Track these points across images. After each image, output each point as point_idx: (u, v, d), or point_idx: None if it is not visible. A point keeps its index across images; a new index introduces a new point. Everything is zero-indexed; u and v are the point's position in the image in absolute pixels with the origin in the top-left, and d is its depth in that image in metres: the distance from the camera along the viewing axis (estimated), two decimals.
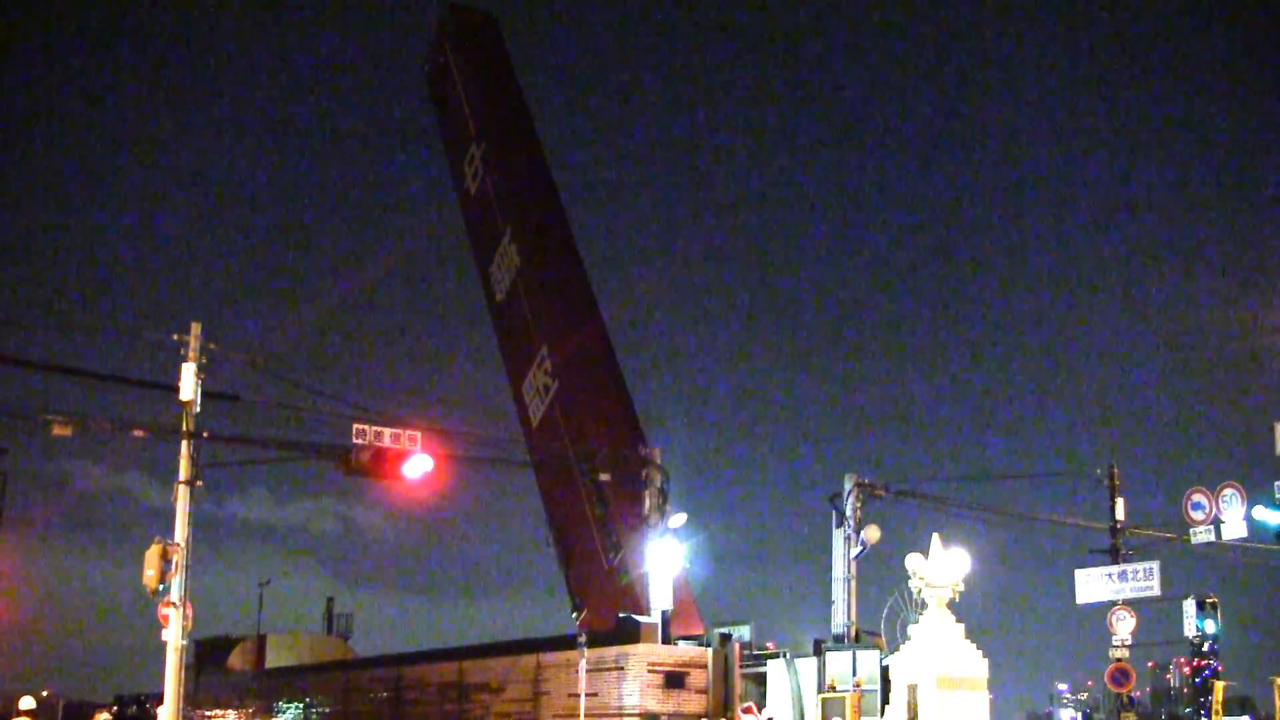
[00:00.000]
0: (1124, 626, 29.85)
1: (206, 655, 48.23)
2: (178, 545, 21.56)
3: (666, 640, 27.61)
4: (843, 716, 24.93)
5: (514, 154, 39.66)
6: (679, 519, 28.60)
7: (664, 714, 26.36)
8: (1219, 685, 30.42)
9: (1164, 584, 29.60)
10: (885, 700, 25.05)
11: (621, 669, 26.71)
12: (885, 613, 26.61)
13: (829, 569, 29.59)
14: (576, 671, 26.01)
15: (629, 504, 30.86)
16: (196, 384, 21.98)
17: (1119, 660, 30.12)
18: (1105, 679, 31.89)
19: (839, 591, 29.22)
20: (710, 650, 27.82)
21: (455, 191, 42.43)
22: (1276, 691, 27.52)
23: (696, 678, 27.19)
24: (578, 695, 26.03)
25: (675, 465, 29.73)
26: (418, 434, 22.97)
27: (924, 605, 24.98)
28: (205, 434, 22.16)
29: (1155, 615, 31.53)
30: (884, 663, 25.53)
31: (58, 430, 20.91)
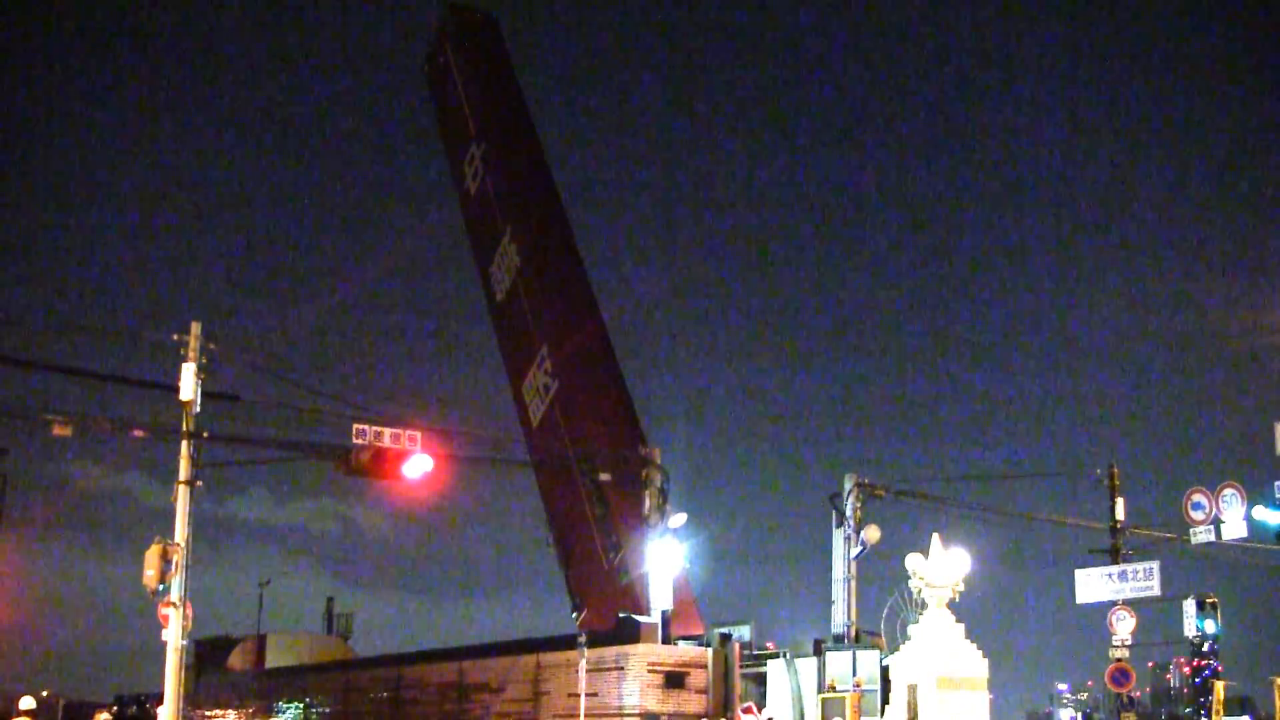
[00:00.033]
0: (1124, 626, 29.86)
1: (206, 655, 48.22)
2: (178, 545, 21.57)
3: (666, 640, 27.61)
4: (843, 716, 24.93)
5: (514, 154, 39.66)
6: (679, 519, 28.60)
7: (664, 714, 26.35)
8: (1219, 685, 30.41)
9: (1164, 584, 29.63)
10: (885, 700, 25.05)
11: (621, 669, 26.71)
12: (885, 613, 26.64)
13: (829, 569, 29.59)
14: (576, 671, 26.01)
15: (629, 504, 30.86)
16: (196, 384, 21.99)
17: (1119, 660, 30.12)
18: (1105, 679, 31.89)
19: (839, 591, 29.22)
20: (710, 650, 27.82)
21: (455, 191, 42.45)
22: (1277, 691, 27.53)
23: (696, 678, 27.18)
24: (578, 695, 26.03)
25: (675, 465, 29.76)
26: (418, 434, 22.99)
27: (924, 605, 24.98)
28: (205, 434, 22.17)
29: (1155, 615, 31.57)
30: (884, 663, 25.53)
31: (58, 430, 20.94)
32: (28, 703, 36.26)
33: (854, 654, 26.13)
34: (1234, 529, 28.52)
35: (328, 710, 39.69)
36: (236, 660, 49.14)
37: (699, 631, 30.12)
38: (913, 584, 25.08)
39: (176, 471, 22.05)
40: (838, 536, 29.47)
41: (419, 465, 22.94)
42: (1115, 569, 30.67)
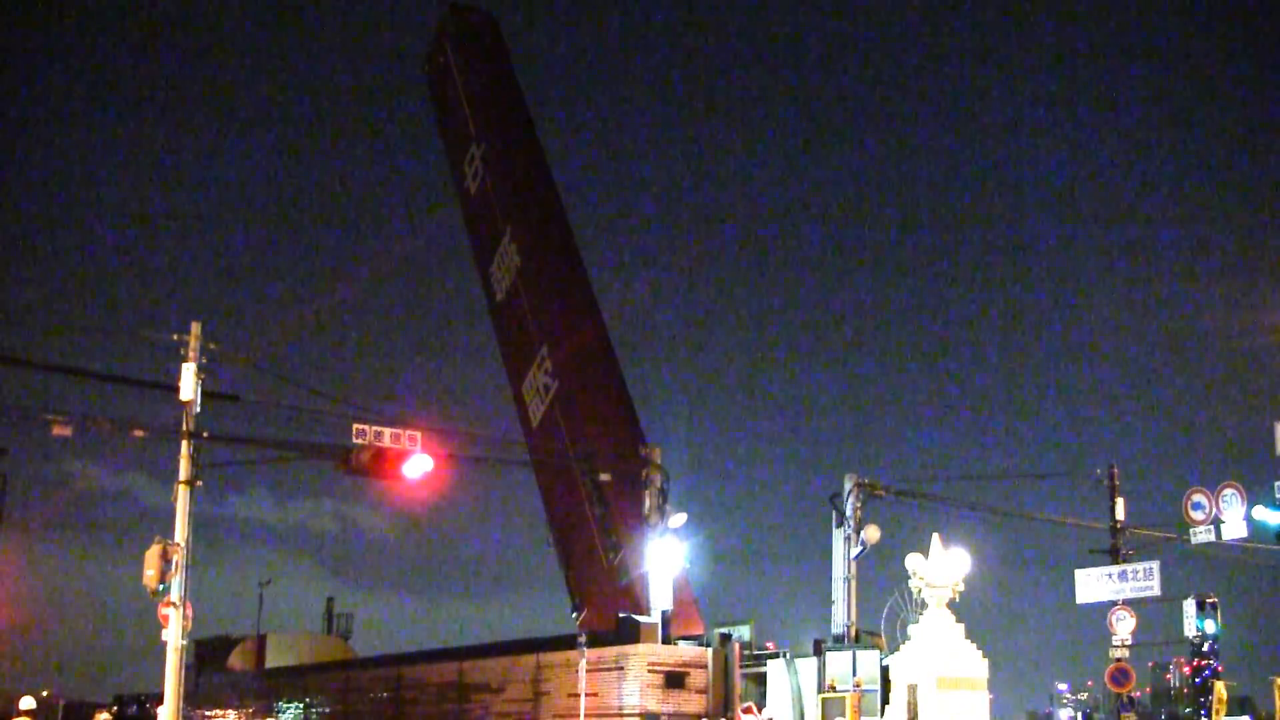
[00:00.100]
0: (1124, 626, 29.86)
1: (206, 655, 48.23)
2: (178, 545, 21.56)
3: (666, 640, 27.62)
4: (843, 716, 24.93)
5: (514, 154, 39.68)
6: (679, 519, 28.61)
7: (664, 714, 26.36)
8: (1220, 685, 30.39)
9: (1164, 584, 29.62)
10: (885, 700, 25.06)
11: (621, 669, 26.71)
12: (885, 613, 26.64)
13: (829, 569, 29.58)
14: (576, 671, 26.03)
15: (629, 504, 30.87)
16: (196, 384, 21.99)
17: (1119, 660, 30.12)
18: (1105, 679, 31.88)
19: (839, 591, 29.22)
20: (710, 650, 27.83)
21: (455, 191, 42.47)
22: (1277, 691, 27.53)
23: (696, 678, 27.19)
24: (578, 695, 26.04)
25: (675, 465, 29.78)
26: (418, 434, 23.00)
27: (924, 605, 24.99)
28: (205, 434, 22.17)
29: (1155, 615, 31.53)
30: (884, 663, 25.53)
31: (58, 430, 20.94)
32: (28, 703, 36.29)
33: (854, 654, 26.13)
34: (1234, 529, 28.52)
35: (328, 710, 39.70)
36: (236, 660, 49.15)
37: (699, 631, 30.13)
38: (913, 584, 25.08)
39: (176, 471, 22.04)
40: (838, 536, 29.47)
41: (419, 465, 22.94)
42: (1115, 569, 30.66)
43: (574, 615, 34.94)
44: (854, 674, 25.50)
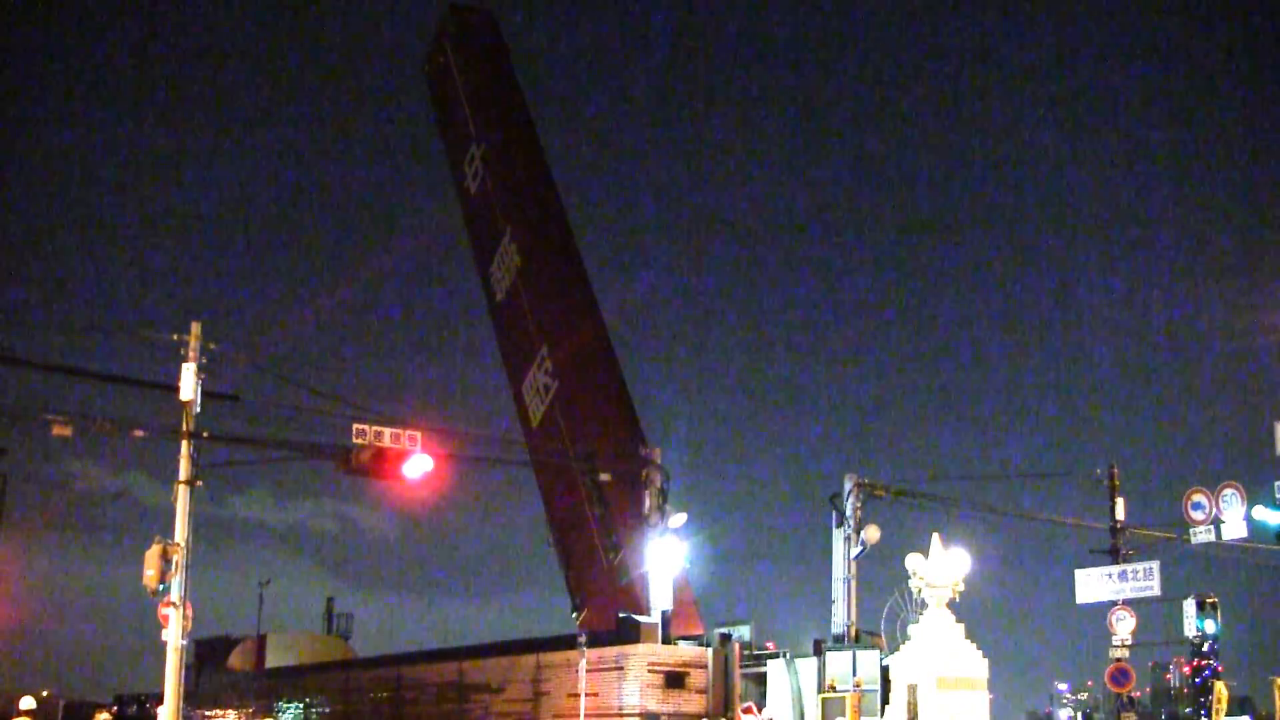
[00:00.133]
0: (1124, 626, 29.85)
1: (206, 655, 48.22)
2: (178, 545, 21.56)
3: (666, 640, 27.61)
4: (843, 716, 24.92)
5: (514, 154, 39.66)
6: (679, 519, 28.60)
7: (664, 714, 26.36)
8: (1220, 685, 30.39)
9: (1164, 584, 29.61)
10: (885, 700, 25.04)
11: (621, 669, 26.71)
12: (885, 613, 26.63)
13: (829, 569, 29.57)
14: (576, 671, 26.02)
15: (629, 504, 30.85)
16: (196, 384, 21.98)
17: (1119, 660, 30.12)
18: (1105, 679, 31.88)
19: (839, 591, 29.21)
20: (710, 650, 27.82)
21: (455, 191, 42.47)
22: (1277, 691, 27.53)
23: (696, 678, 27.18)
24: (578, 695, 26.03)
25: (675, 465, 29.75)
26: (418, 434, 23.00)
27: (924, 605, 24.97)
28: (205, 434, 22.16)
29: (1155, 615, 31.53)
30: (884, 663, 25.52)
31: (58, 430, 20.93)
32: (28, 703, 36.34)
33: (854, 654, 26.12)
34: (1234, 529, 28.51)
35: (328, 710, 39.70)
36: (236, 660, 49.14)
37: (699, 631, 30.12)
38: (913, 584, 25.06)
39: (176, 471, 22.03)
40: (838, 536, 29.46)
41: (419, 465, 22.94)
42: (1115, 569, 30.66)
43: (574, 615, 34.93)
44: (854, 674, 25.49)
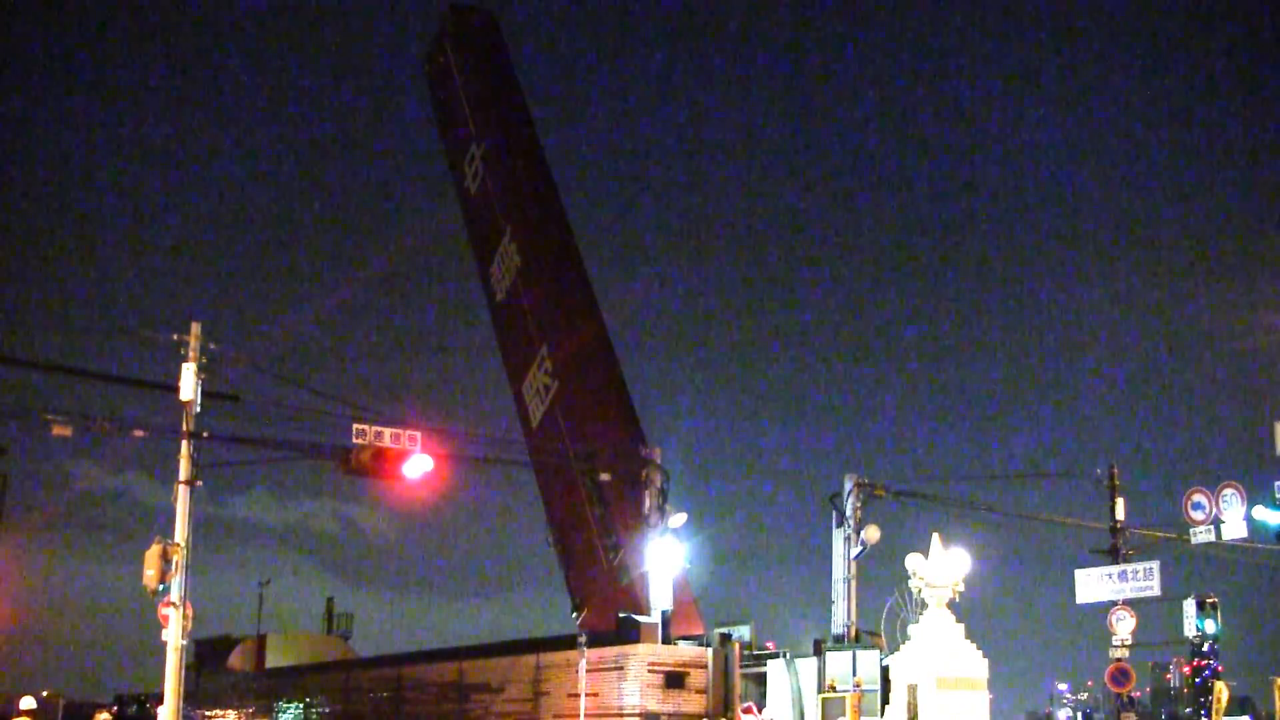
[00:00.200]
0: (1124, 626, 29.84)
1: (206, 655, 48.24)
2: (178, 545, 21.56)
3: (666, 640, 27.61)
4: (843, 716, 24.92)
5: (514, 154, 39.66)
6: (679, 519, 28.60)
7: (664, 714, 26.35)
8: (1220, 685, 30.37)
9: (1164, 584, 29.59)
10: (885, 700, 25.04)
11: (621, 669, 26.71)
12: (885, 613, 26.61)
13: (829, 569, 29.57)
14: (576, 671, 26.02)
15: (629, 504, 30.86)
16: (196, 384, 21.98)
17: (1119, 660, 30.11)
18: (1105, 679, 31.87)
19: (839, 591, 29.19)
20: (710, 650, 27.82)
21: (455, 191, 42.46)
22: (1277, 691, 27.52)
23: (696, 678, 27.18)
24: (578, 695, 26.03)
25: (675, 465, 29.75)
26: (418, 434, 23.00)
27: (924, 605, 24.96)
28: (205, 434, 22.16)
29: (1155, 615, 31.53)
30: (884, 663, 25.51)
31: (58, 430, 20.93)
32: (28, 703, 36.32)
33: (854, 654, 26.10)
34: (1234, 529, 28.48)
35: (328, 710, 39.70)
36: (236, 660, 49.16)
37: (699, 631, 30.11)
38: (913, 584, 25.05)
39: (176, 471, 22.04)
40: (838, 536, 29.45)
41: (419, 465, 22.94)
42: (1115, 569, 30.64)
43: (574, 615, 34.93)
44: (854, 674, 25.48)
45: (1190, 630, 31.26)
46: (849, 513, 29.16)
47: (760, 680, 28.09)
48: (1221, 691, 29.95)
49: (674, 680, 26.81)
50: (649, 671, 26.47)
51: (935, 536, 25.00)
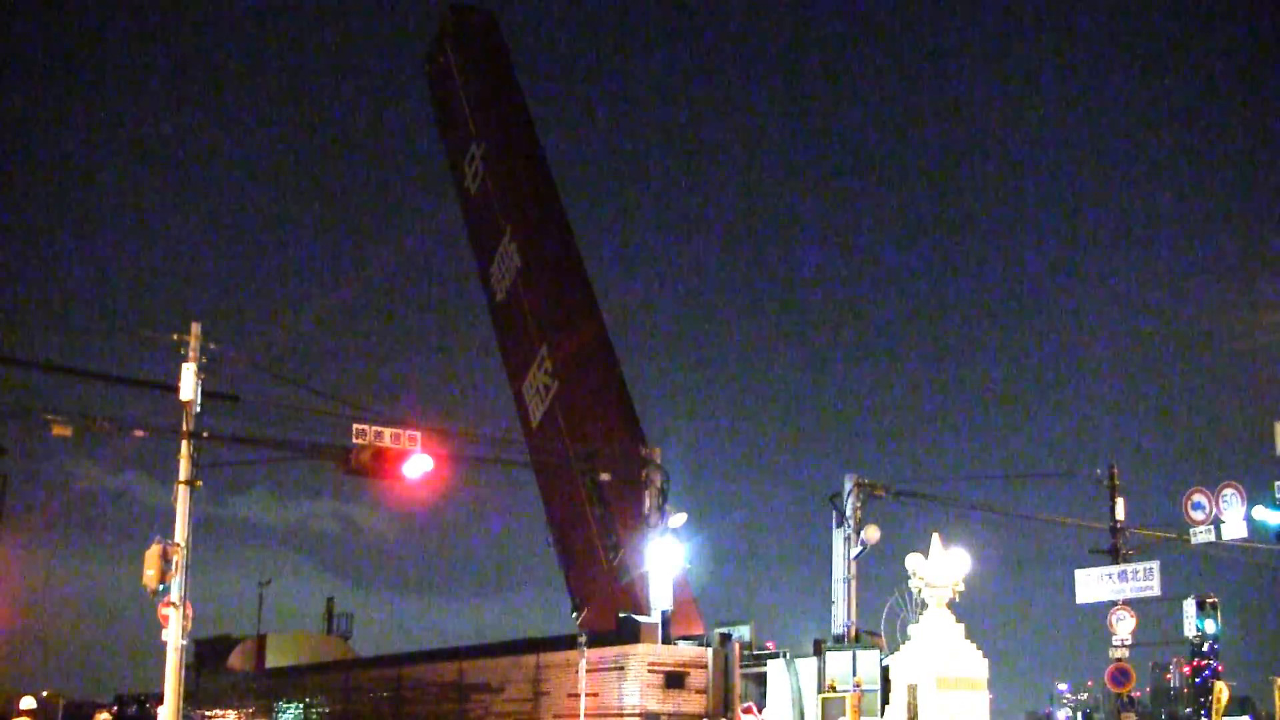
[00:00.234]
0: (1124, 626, 29.83)
1: (206, 655, 48.25)
2: (178, 545, 21.56)
3: (666, 640, 27.61)
4: (843, 716, 24.91)
5: (514, 154, 39.68)
6: (679, 519, 28.59)
7: (664, 714, 26.35)
8: (1220, 685, 30.37)
9: (1164, 584, 29.59)
10: (885, 700, 25.03)
11: (621, 669, 26.71)
12: (885, 613, 26.59)
13: (829, 569, 29.56)
14: (576, 671, 26.02)
15: (629, 504, 30.86)
16: (196, 384, 21.98)
17: (1119, 660, 30.11)
18: (1105, 679, 31.86)
19: (839, 591, 29.18)
20: (710, 650, 27.82)
21: (455, 191, 42.48)
22: (1277, 691, 27.52)
23: (696, 678, 27.18)
24: (578, 695, 26.03)
25: (675, 465, 29.74)
26: (418, 434, 23.00)
27: (924, 605, 24.95)
28: (205, 434, 22.16)
29: (1155, 615, 31.52)
30: (884, 663, 25.51)
31: (58, 430, 20.92)
32: (28, 703, 36.34)
33: (854, 654, 26.10)
34: (1234, 529, 28.48)
35: (328, 710, 39.70)
36: (236, 660, 49.17)
37: (699, 631, 30.12)
38: (913, 584, 25.04)
39: (176, 471, 22.04)
40: (838, 536, 29.45)
41: (419, 465, 22.93)
42: (1115, 569, 30.64)
43: (574, 615, 34.94)
44: (854, 674, 25.48)
45: (1190, 630, 31.26)
46: (849, 513, 29.15)
47: (760, 680, 28.08)
48: (1221, 691, 29.95)
49: (674, 680, 26.80)
50: (649, 671, 26.47)
51: (935, 536, 24.99)
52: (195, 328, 22.27)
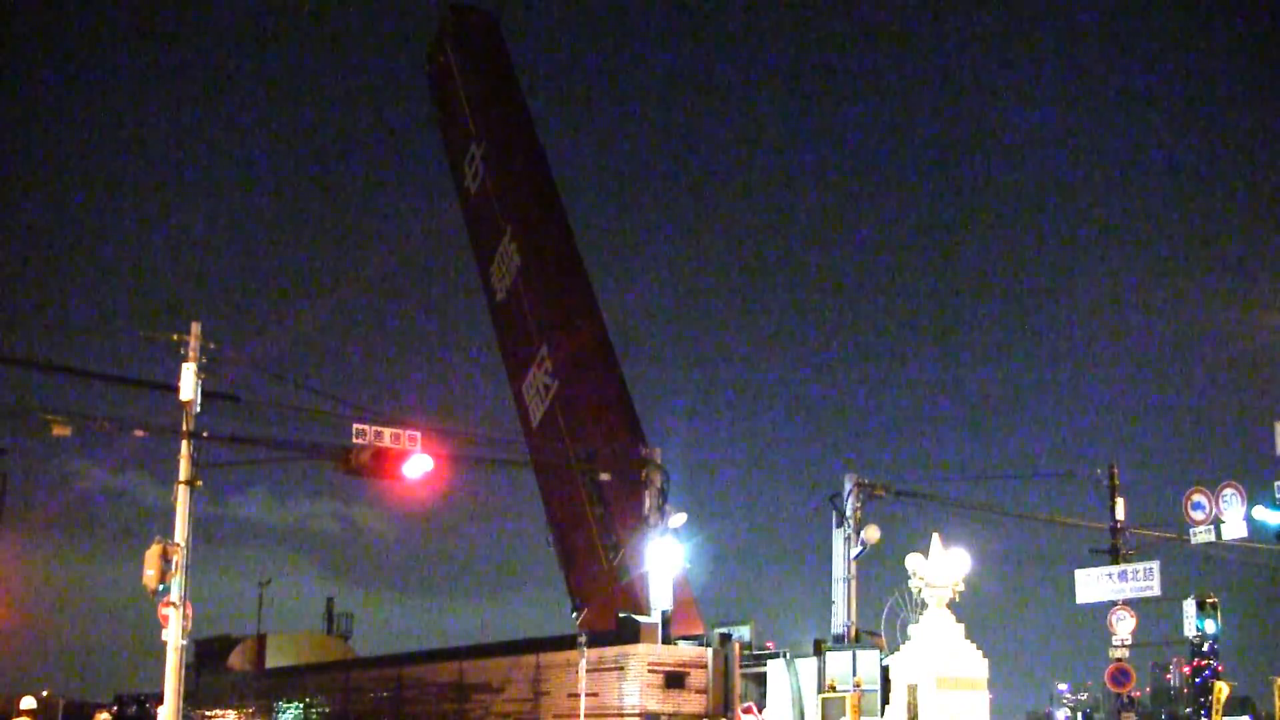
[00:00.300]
0: (1124, 626, 29.84)
1: (206, 655, 48.28)
2: (178, 545, 21.56)
3: (666, 640, 27.61)
4: (843, 716, 24.92)
5: (514, 154, 39.70)
6: (679, 519, 28.60)
7: (664, 714, 26.36)
8: (1219, 685, 30.37)
9: (1164, 584, 29.59)
10: (885, 700, 25.03)
11: (621, 669, 26.72)
12: (885, 613, 26.59)
13: (829, 569, 29.57)
14: (576, 671, 26.02)
15: (629, 504, 30.87)
16: (196, 384, 21.98)
17: (1119, 660, 30.11)
18: (1105, 679, 31.86)
19: (839, 591, 29.20)
20: (710, 650, 27.82)
21: (455, 191, 42.49)
22: (1277, 691, 27.51)
23: (696, 678, 27.19)
24: (578, 695, 26.03)
25: (675, 465, 29.75)
26: (418, 434, 22.99)
27: (924, 605, 24.95)
28: (205, 434, 22.16)
29: (1155, 615, 31.52)
30: (884, 663, 25.51)
31: (58, 430, 20.92)
32: (28, 703, 36.36)
33: (854, 654, 26.10)
34: (1234, 529, 28.46)
35: (328, 710, 39.71)
36: (236, 660, 49.20)
37: (699, 631, 30.12)
38: (913, 584, 25.03)
39: (176, 471, 22.04)
40: (838, 536, 29.46)
41: (419, 465, 22.93)
42: (1115, 569, 30.64)
43: (574, 615, 34.95)
44: (854, 674, 25.48)
45: (1190, 630, 31.26)
46: (849, 513, 29.17)
47: (760, 680, 28.09)
48: (1221, 690, 29.94)
49: (674, 680, 26.81)
50: (649, 671, 26.47)
51: (935, 536, 24.98)
52: (195, 328, 22.27)
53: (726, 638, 28.03)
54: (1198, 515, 28.97)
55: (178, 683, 21.76)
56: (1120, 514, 32.55)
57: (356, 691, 38.58)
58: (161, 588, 21.27)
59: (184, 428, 21.93)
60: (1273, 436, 24.87)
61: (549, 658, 29.17)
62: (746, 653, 28.21)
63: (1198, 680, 35.32)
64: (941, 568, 24.68)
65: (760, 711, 27.38)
